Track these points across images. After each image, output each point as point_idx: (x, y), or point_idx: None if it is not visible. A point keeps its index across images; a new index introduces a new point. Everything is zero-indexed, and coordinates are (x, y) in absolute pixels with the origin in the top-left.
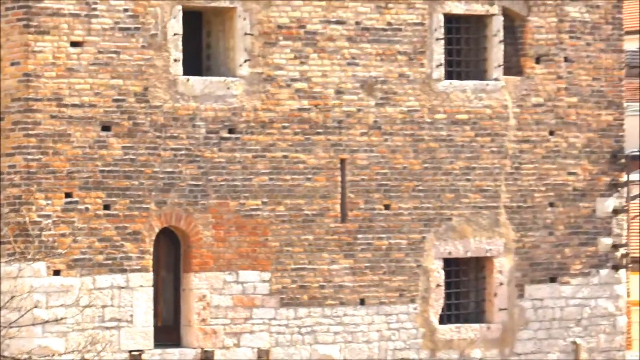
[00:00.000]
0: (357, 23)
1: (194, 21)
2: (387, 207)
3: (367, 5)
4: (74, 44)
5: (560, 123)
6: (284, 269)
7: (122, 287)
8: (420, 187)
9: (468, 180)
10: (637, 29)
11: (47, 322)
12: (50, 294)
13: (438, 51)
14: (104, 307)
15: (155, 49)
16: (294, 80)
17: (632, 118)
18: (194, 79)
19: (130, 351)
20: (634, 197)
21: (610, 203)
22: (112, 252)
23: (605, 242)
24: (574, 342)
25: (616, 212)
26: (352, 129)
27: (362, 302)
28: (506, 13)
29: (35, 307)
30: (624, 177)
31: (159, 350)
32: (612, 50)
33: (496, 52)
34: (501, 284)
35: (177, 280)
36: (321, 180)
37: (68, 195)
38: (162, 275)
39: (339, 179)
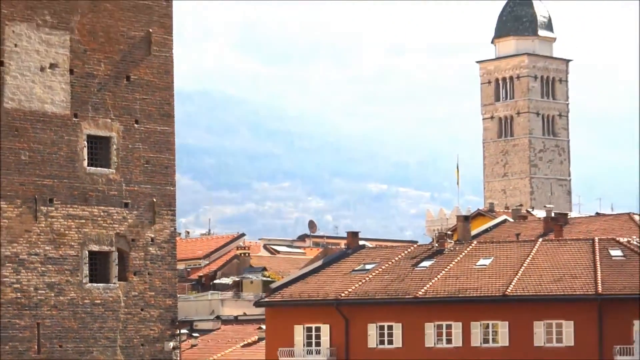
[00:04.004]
0: (45, 254)
1: None
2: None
3: (50, 245)
4: None
5: (144, 304)
6: None
7: None
8: (76, 337)
9: (101, 334)
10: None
11: None
12: None
13: (85, 269)
14: None
15: None
16: None
17: (183, 303)
18: None
19: None
20: (183, 341)
21: (171, 344)
22: None
23: None
24: None
25: (174, 348)
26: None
27: None
28: (119, 250)
29: None
30: (177, 331)
31: None
32: (172, 269)
33: (114, 270)
34: None
35: None
36: None
37: None
38: None
39: None
